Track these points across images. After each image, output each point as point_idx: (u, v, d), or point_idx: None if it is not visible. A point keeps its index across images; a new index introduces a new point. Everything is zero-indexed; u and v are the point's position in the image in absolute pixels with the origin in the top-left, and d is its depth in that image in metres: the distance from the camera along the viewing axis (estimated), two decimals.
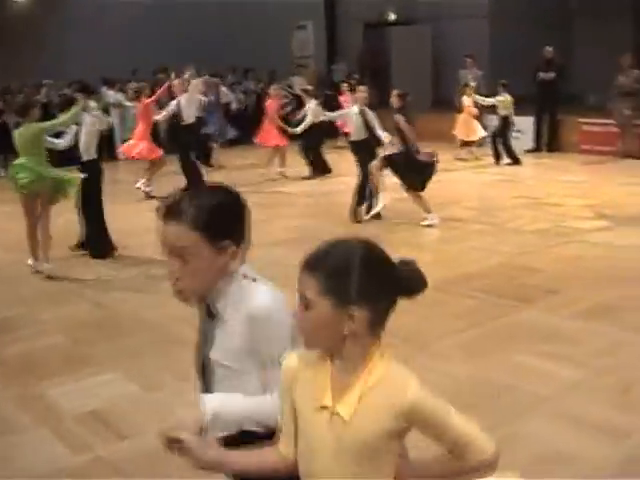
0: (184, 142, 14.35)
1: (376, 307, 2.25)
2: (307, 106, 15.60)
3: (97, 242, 10.00)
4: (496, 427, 4.94)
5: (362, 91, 11.93)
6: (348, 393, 2.22)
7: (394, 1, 25.48)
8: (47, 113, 17.45)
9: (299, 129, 14.55)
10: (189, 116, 14.44)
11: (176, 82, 14.83)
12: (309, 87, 16.75)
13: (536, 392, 5.54)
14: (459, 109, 17.50)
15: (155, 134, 16.16)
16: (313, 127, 14.85)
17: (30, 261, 9.39)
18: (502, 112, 16.59)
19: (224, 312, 2.64)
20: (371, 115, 11.62)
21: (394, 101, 11.18)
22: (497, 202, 12.56)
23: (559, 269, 8.66)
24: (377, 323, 2.28)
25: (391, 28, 25.25)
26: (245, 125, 20.25)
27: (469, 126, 17.17)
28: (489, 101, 16.80)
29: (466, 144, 17.51)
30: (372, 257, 2.27)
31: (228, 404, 2.55)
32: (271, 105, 16.44)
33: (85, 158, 9.82)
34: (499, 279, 8.36)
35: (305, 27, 25.48)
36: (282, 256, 9.09)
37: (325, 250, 2.25)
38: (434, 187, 13.79)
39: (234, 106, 21.79)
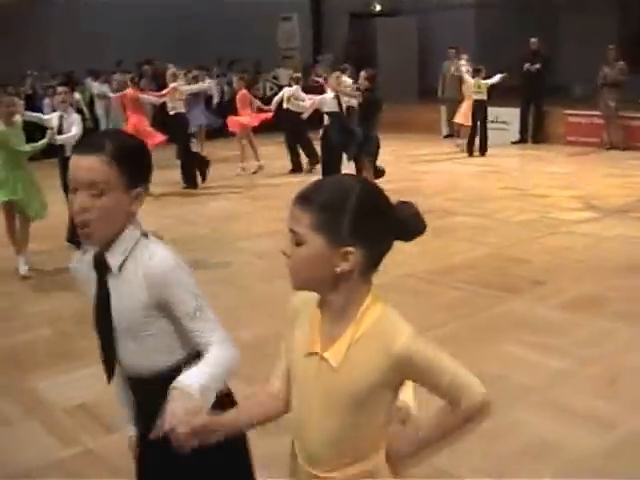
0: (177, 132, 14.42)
1: (372, 248, 2.15)
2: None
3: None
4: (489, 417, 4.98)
5: (336, 77, 12.07)
6: (338, 341, 2.13)
7: None
8: (31, 104, 17.45)
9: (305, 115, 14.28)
10: (174, 107, 14.52)
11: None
12: (297, 74, 16.56)
13: (523, 382, 5.57)
14: (461, 97, 17.53)
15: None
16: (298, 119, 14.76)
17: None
18: (476, 96, 16.72)
19: (122, 267, 2.51)
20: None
21: (362, 82, 11.30)
22: (483, 193, 12.58)
23: (546, 260, 8.68)
24: (371, 265, 2.18)
25: (377, 19, 25.28)
26: (227, 116, 20.24)
27: (467, 112, 17.14)
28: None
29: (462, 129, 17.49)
30: (370, 195, 2.12)
31: (203, 378, 2.37)
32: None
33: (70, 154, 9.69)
34: (485, 270, 8.37)
35: (290, 18, 25.44)
36: (269, 247, 9.09)
37: (321, 184, 2.14)
38: (419, 177, 13.85)
39: (215, 100, 21.70)
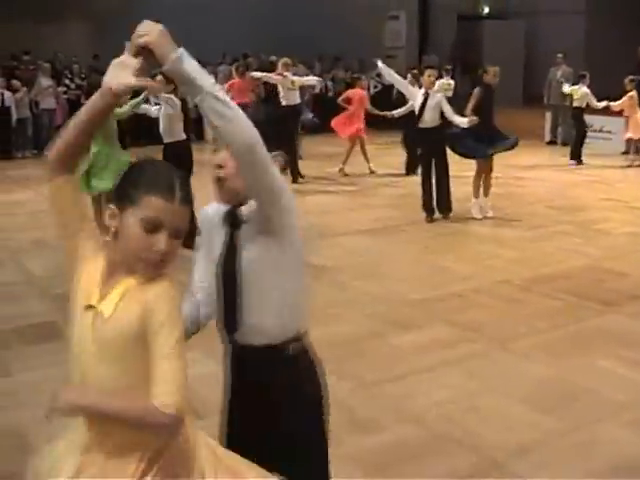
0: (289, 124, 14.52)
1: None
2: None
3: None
4: (573, 431, 4.91)
5: (429, 75, 11.39)
6: (114, 290, 2.30)
7: None
8: (138, 91, 17.78)
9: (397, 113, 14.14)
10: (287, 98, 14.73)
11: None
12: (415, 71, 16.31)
13: (616, 398, 5.44)
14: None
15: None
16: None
17: None
18: (576, 104, 16.39)
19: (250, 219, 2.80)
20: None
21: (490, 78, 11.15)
22: (584, 203, 12.34)
23: None
24: None
25: (484, 21, 25.06)
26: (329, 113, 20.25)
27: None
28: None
29: None
30: None
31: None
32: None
33: (167, 140, 9.87)
34: (583, 281, 8.22)
35: (397, 17, 25.35)
36: (366, 245, 9.11)
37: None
38: (521, 184, 13.68)
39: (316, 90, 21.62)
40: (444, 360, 6.05)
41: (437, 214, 11.02)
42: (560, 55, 19.77)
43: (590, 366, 5.98)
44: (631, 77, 16.47)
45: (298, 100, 14.94)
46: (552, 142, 19.04)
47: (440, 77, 16.07)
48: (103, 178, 9.10)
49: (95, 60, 20.67)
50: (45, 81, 19.04)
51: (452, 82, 18.71)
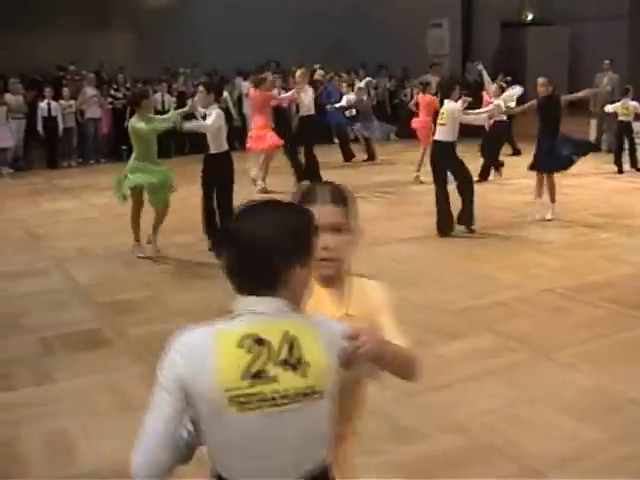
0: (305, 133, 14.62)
1: None
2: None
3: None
4: (616, 442, 4.85)
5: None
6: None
7: (532, 1, 25.11)
8: (183, 101, 17.92)
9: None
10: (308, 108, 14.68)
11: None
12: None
13: None
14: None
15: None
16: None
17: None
18: (621, 117, 16.16)
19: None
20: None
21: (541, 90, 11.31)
22: (629, 210, 12.19)
23: None
24: None
25: (528, 28, 24.91)
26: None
27: None
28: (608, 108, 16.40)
29: None
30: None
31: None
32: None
33: (213, 151, 9.93)
34: (628, 290, 8.11)
35: (441, 25, 25.25)
36: (405, 253, 9.08)
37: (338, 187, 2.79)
38: (565, 191, 13.54)
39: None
40: (488, 369, 6.01)
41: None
42: (607, 61, 19.58)
43: (635, 376, 5.90)
44: None
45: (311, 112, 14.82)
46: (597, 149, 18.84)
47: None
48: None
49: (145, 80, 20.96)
50: (90, 91, 19.26)
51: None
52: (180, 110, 10.24)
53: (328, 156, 18.89)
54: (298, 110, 15.22)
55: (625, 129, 16.19)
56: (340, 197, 2.75)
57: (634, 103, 15.93)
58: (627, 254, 9.51)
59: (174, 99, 20.09)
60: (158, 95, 19.95)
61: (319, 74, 20.47)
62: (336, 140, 21.49)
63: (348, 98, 17.76)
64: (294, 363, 2.20)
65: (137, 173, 9.41)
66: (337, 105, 17.79)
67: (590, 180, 15.13)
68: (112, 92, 20.13)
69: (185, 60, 21.74)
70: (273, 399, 2.17)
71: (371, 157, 18.22)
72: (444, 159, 10.49)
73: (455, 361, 6.24)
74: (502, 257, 9.55)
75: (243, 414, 2.17)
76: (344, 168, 17.38)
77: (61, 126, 18.53)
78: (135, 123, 9.40)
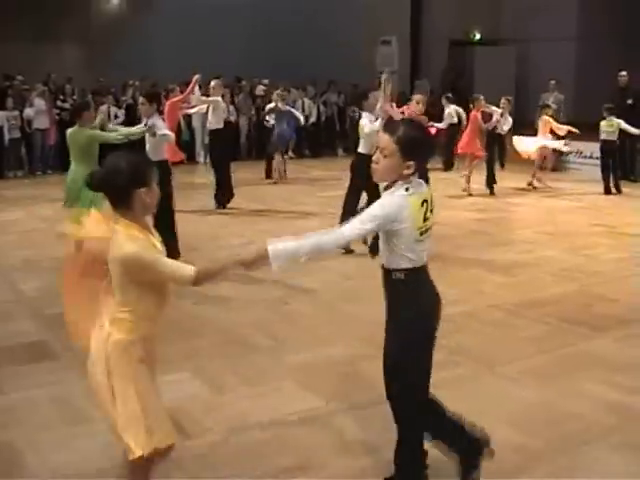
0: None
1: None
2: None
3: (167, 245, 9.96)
4: (559, 454, 4.95)
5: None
6: None
7: (480, 20, 25.46)
8: (132, 114, 17.87)
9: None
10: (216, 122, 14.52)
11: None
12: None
13: (603, 422, 5.48)
14: (537, 130, 16.90)
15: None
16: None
17: None
18: (604, 137, 16.22)
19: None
20: None
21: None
22: (573, 228, 12.41)
23: (634, 300, 8.54)
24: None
25: (476, 47, 25.25)
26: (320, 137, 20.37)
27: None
28: (565, 128, 16.52)
29: (541, 168, 17.08)
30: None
31: (286, 242, 3.87)
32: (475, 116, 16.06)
33: (154, 158, 9.90)
34: (571, 306, 8.25)
35: (390, 42, 25.50)
36: (355, 268, 9.06)
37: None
38: (510, 209, 13.76)
39: (312, 120, 21.75)
40: (432, 383, 6.07)
41: None
42: (553, 82, 19.93)
43: (578, 390, 6.01)
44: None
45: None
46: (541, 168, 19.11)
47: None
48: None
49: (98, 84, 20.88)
50: (38, 101, 19.11)
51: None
52: (134, 129, 10.19)
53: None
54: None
55: (610, 150, 16.21)
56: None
57: (618, 120, 16.01)
58: (571, 271, 9.67)
59: (122, 111, 20.04)
60: (104, 107, 19.88)
61: (260, 89, 20.62)
62: (285, 155, 21.66)
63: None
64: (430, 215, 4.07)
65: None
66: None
67: (534, 198, 15.39)
68: (59, 103, 20.01)
69: (135, 72, 21.69)
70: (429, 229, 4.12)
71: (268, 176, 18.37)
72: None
73: None
74: (448, 273, 9.66)
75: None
76: (294, 184, 17.46)
77: (7, 136, 18.35)
78: (74, 132, 9.42)
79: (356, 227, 3.95)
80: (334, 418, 5.51)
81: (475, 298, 8.48)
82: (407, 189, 3.95)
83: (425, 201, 4.02)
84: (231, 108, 21.40)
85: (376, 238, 4.25)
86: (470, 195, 15.26)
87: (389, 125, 4.20)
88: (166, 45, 22.69)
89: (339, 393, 5.94)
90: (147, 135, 9.89)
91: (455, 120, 18.51)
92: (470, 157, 15.82)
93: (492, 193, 15.52)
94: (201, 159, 20.95)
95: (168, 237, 9.88)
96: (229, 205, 14.15)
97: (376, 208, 3.94)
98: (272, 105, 17.81)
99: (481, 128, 15.95)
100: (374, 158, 4.03)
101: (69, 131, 9.61)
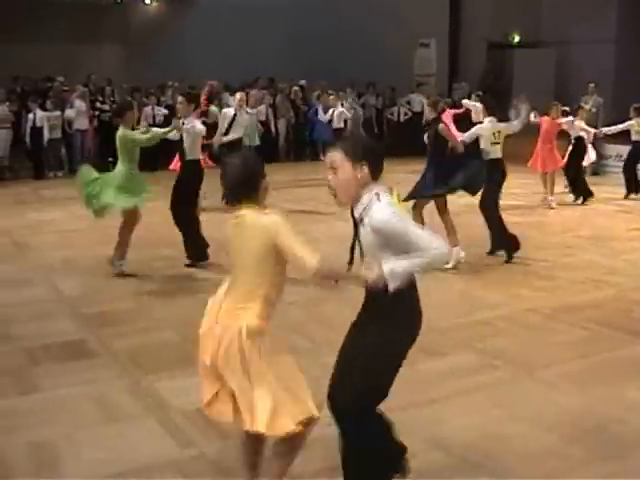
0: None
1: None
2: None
3: (192, 247, 10.04)
4: (600, 461, 4.89)
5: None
6: None
7: (519, 23, 25.27)
8: (171, 115, 17.95)
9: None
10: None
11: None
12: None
13: None
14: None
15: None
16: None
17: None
18: (634, 137, 15.97)
19: (363, 218, 3.87)
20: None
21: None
22: (612, 233, 12.30)
23: None
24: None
25: (515, 50, 25.08)
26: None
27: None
28: (616, 128, 16.14)
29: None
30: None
31: (398, 262, 3.75)
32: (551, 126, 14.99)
33: (189, 157, 10.02)
34: (610, 311, 8.17)
35: (428, 45, 25.42)
36: None
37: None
38: (548, 213, 13.66)
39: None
40: (470, 387, 6.05)
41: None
42: (592, 84, 19.76)
43: (618, 397, 5.95)
44: None
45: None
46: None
47: None
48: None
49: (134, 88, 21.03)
50: (78, 102, 19.28)
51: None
52: (163, 130, 10.24)
53: (316, 173, 19.00)
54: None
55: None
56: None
57: None
58: (610, 276, 9.58)
59: (165, 111, 20.19)
60: (148, 108, 20.05)
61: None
62: (322, 157, 21.61)
63: (338, 111, 18.00)
64: None
65: (126, 194, 9.39)
66: (324, 117, 18.08)
67: (572, 201, 15.26)
68: (98, 104, 20.17)
69: (172, 74, 21.83)
70: None
71: None
72: None
73: (437, 378, 6.28)
74: (486, 276, 9.62)
75: None
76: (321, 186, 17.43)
77: (46, 137, 18.53)
78: (121, 132, 9.44)
79: (433, 236, 3.82)
80: None
81: (513, 302, 8.42)
82: (377, 195, 3.86)
83: (399, 197, 3.99)
84: (269, 110, 21.53)
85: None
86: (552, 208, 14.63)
87: (331, 144, 4.16)
88: (203, 47, 22.77)
89: None
90: (184, 134, 9.92)
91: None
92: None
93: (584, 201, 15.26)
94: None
95: (192, 234, 9.99)
96: None
97: (401, 224, 3.79)
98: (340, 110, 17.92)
99: (553, 137, 14.97)
100: (327, 184, 3.98)
101: (117, 133, 9.62)
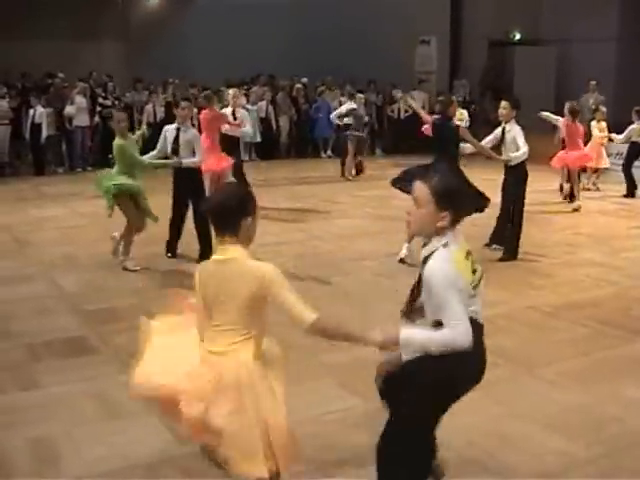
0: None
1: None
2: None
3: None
4: (600, 459, 4.89)
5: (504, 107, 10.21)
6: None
7: (520, 20, 25.27)
8: (171, 112, 17.96)
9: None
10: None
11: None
12: None
13: None
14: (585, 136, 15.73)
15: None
16: None
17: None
18: (634, 138, 15.94)
19: (427, 261, 3.81)
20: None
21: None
22: (612, 231, 12.30)
23: None
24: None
25: (516, 47, 25.08)
26: None
27: (596, 153, 16.03)
28: (623, 136, 16.06)
29: (594, 171, 16.82)
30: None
31: (415, 331, 3.82)
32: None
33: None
34: (610, 309, 8.18)
35: (429, 42, 25.41)
36: (392, 268, 9.06)
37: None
38: (549, 211, 13.66)
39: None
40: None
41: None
42: (593, 82, 19.76)
43: (617, 394, 5.95)
44: None
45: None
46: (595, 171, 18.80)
47: None
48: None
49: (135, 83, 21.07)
50: (79, 99, 19.27)
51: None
52: (159, 162, 10.19)
53: (316, 170, 19.05)
54: None
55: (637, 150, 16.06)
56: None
57: None
58: (610, 274, 9.58)
59: (162, 109, 20.20)
60: (149, 107, 20.07)
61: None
62: (323, 154, 21.75)
63: (349, 107, 17.98)
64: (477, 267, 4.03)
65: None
66: (336, 112, 18.09)
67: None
68: (101, 100, 20.17)
69: (173, 71, 21.82)
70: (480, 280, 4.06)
71: (360, 171, 18.24)
72: None
73: None
74: (486, 274, 9.59)
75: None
76: (330, 182, 17.47)
77: (45, 133, 18.49)
78: (122, 145, 9.53)
79: (459, 320, 3.66)
80: (371, 417, 5.48)
81: (513, 299, 8.43)
82: (445, 245, 3.80)
83: (469, 253, 3.91)
84: (270, 108, 21.53)
85: None
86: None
87: (424, 174, 3.95)
88: (204, 44, 22.73)
89: (376, 392, 5.92)
90: (181, 145, 10.03)
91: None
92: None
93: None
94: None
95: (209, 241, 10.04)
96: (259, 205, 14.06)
97: (443, 287, 3.69)
98: (353, 106, 17.86)
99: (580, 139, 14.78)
100: (407, 210, 3.95)
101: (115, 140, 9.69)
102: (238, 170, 13.29)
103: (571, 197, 14.88)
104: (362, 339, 3.94)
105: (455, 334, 3.63)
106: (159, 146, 10.15)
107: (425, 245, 3.91)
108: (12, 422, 5.49)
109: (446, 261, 3.73)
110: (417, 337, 3.77)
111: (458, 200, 3.84)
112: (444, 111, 10.35)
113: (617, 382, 6.18)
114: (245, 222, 3.86)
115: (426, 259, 3.82)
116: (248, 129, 13.00)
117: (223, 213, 3.87)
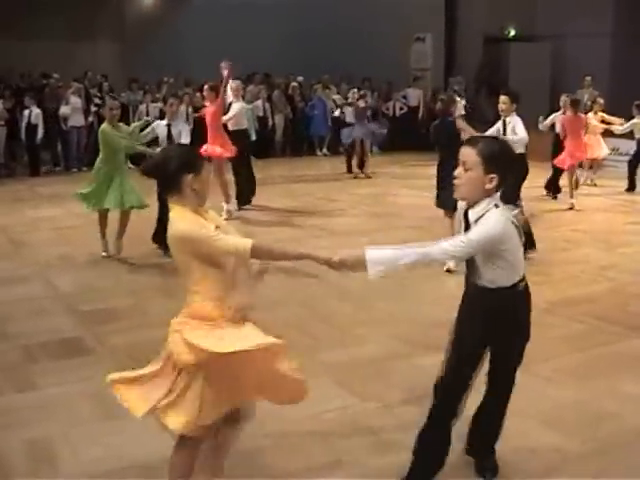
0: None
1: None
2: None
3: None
4: (596, 455, 4.90)
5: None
6: None
7: (515, 16, 25.24)
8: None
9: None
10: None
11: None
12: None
13: (638, 424, 5.42)
14: (586, 127, 15.59)
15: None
16: None
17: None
18: (638, 135, 15.90)
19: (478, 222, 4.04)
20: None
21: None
22: (609, 227, 12.30)
23: None
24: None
25: (511, 44, 25.07)
26: None
27: (594, 143, 15.98)
28: (624, 127, 15.95)
29: (590, 167, 16.81)
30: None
31: (384, 249, 4.45)
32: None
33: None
34: (607, 305, 8.18)
35: (424, 39, 25.38)
36: None
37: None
38: (545, 207, 13.64)
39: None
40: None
41: None
42: (588, 78, 19.75)
43: (614, 390, 5.96)
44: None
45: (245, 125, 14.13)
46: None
47: None
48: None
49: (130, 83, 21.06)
50: (74, 99, 19.24)
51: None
52: (142, 148, 10.28)
53: (311, 168, 19.04)
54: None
55: None
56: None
57: None
58: (606, 270, 9.59)
59: (160, 105, 20.19)
60: (143, 106, 20.03)
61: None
62: (319, 152, 21.75)
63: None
64: None
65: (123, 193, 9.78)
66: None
67: (568, 195, 15.22)
68: (97, 100, 20.14)
69: (168, 70, 21.81)
70: None
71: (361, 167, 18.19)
72: None
73: (433, 373, 6.26)
74: None
75: None
76: (326, 181, 17.48)
77: (40, 133, 18.42)
78: (104, 128, 9.89)
79: (459, 246, 4.01)
80: (369, 416, 5.49)
81: None
82: (496, 205, 4.03)
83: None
84: (266, 106, 21.52)
85: None
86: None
87: (472, 138, 4.27)
88: (199, 42, 22.70)
89: (374, 391, 5.93)
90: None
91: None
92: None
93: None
94: None
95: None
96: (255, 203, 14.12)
97: (479, 232, 3.98)
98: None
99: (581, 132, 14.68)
100: (456, 173, 4.09)
101: (101, 126, 10.07)
102: (241, 162, 13.54)
103: (556, 191, 14.91)
104: (309, 256, 4.13)
105: (449, 247, 4.06)
106: (147, 134, 10.67)
107: (471, 207, 4.10)
108: (8, 423, 5.49)
109: (500, 221, 3.98)
110: (389, 254, 4.42)
111: (503, 164, 4.03)
112: (445, 110, 10.31)
113: (614, 378, 6.18)
114: (186, 179, 3.80)
115: (477, 221, 4.04)
116: (229, 117, 13.37)
117: (160, 171, 3.87)
